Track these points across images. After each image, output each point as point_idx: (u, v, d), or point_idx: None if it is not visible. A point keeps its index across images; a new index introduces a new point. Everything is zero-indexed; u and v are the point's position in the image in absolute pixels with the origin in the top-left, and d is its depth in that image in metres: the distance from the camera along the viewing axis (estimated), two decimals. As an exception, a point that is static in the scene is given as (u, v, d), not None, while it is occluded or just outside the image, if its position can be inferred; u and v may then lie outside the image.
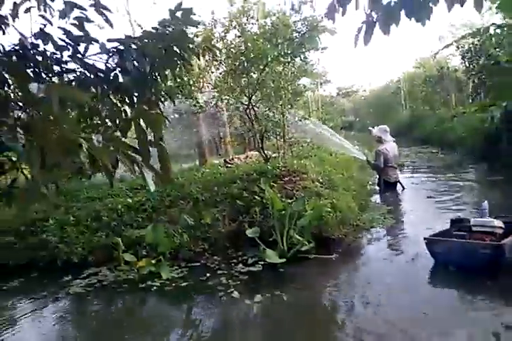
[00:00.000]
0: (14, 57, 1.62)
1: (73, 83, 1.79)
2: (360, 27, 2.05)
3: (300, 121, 7.56)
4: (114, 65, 1.84)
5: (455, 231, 4.10)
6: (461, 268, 3.68)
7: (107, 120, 1.91)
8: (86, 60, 1.82)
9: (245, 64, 6.45)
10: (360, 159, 9.48)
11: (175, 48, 2.08)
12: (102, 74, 1.80)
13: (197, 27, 2.19)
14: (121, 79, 1.86)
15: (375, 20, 1.99)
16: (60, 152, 1.46)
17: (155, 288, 4.18)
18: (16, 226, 5.37)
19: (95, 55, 1.95)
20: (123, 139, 1.78)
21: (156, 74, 2.12)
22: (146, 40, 2.05)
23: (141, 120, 1.75)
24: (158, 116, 1.94)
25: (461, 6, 1.77)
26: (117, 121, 1.89)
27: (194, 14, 2.22)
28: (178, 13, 2.04)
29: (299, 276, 4.23)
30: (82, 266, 4.85)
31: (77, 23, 1.77)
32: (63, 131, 1.43)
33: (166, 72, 2.24)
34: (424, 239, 4.05)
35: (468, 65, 19.36)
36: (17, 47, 1.64)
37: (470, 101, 21.08)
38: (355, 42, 2.10)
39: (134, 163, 1.59)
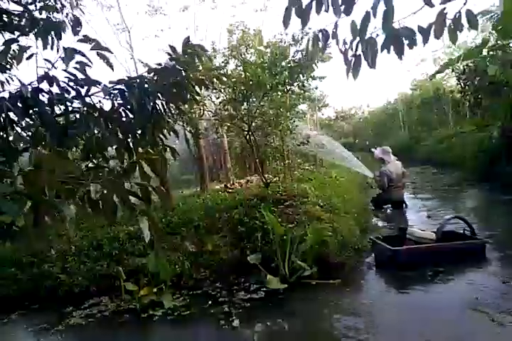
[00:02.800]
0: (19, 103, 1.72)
1: (77, 122, 1.88)
2: (350, 60, 2.16)
3: (299, 145, 7.67)
4: (117, 105, 1.94)
5: (395, 237, 5.42)
6: (380, 263, 4.98)
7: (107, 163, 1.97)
8: (88, 100, 1.92)
9: (245, 92, 6.64)
10: (366, 175, 9.53)
11: (182, 81, 2.18)
12: (105, 114, 1.89)
13: (201, 60, 2.29)
14: (124, 118, 1.95)
15: (359, 53, 2.08)
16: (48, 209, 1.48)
17: (157, 317, 4.14)
18: (17, 257, 5.37)
19: (97, 93, 2.06)
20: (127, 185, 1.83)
21: (161, 110, 2.21)
22: (149, 78, 2.16)
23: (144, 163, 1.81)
24: (161, 159, 2.01)
25: (437, 38, 1.87)
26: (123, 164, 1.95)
27: (206, 51, 2.34)
28: (189, 49, 2.14)
29: (301, 303, 4.19)
30: (84, 296, 4.80)
31: (79, 67, 1.88)
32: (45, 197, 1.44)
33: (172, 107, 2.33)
34: (368, 240, 5.33)
35: (463, 86, 19.77)
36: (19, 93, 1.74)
37: (468, 120, 21.36)
38: (346, 75, 2.20)
39: (132, 210, 1.64)
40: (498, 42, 10.84)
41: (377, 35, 2.00)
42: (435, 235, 5.11)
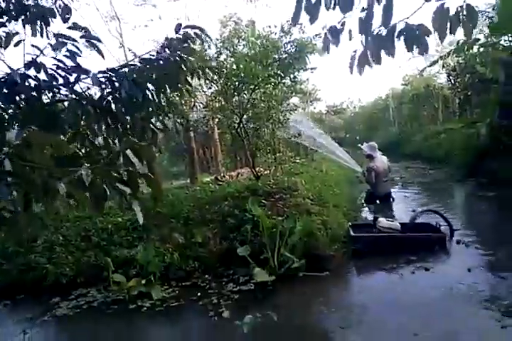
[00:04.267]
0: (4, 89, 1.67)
1: (65, 111, 1.84)
2: (353, 55, 2.14)
3: (290, 138, 7.66)
4: (107, 93, 1.90)
5: (367, 224, 5.87)
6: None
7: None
8: (77, 88, 1.88)
9: (236, 84, 6.60)
10: (355, 170, 9.62)
11: (173, 71, 2.14)
12: (94, 102, 1.85)
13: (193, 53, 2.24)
14: (113, 107, 1.92)
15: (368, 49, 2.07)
16: (40, 193, 1.46)
17: (145, 308, 4.13)
18: (2, 247, 5.29)
19: (85, 79, 2.01)
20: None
21: (150, 99, 2.18)
22: (140, 67, 2.11)
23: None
24: (149, 148, 1.98)
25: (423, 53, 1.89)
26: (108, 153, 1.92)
27: (207, 35, 2.29)
28: (191, 32, 2.09)
29: (290, 295, 4.22)
30: (71, 287, 4.77)
31: (69, 55, 1.83)
32: (39, 173, 1.43)
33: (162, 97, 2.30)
34: (348, 225, 5.75)
35: (453, 83, 19.95)
36: (7, 78, 1.69)
37: (457, 117, 21.60)
38: (350, 70, 2.18)
39: (122, 195, 1.62)
40: (489, 39, 10.94)
41: (380, 31, 2.00)
42: (400, 226, 5.42)
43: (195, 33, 2.11)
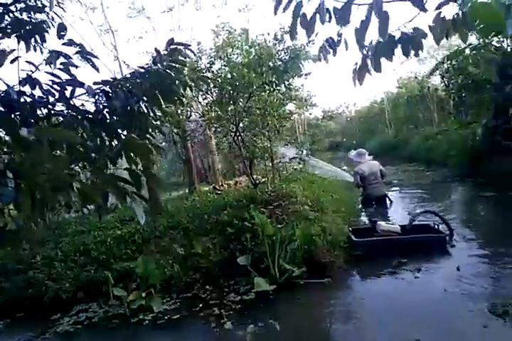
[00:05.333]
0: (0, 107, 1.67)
1: (60, 125, 1.85)
2: (355, 67, 2.18)
3: (285, 146, 7.68)
4: (102, 106, 1.91)
5: (368, 228, 5.83)
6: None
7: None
8: (73, 102, 1.88)
9: (231, 93, 6.62)
10: (349, 181, 9.74)
11: (166, 83, 2.16)
12: (89, 116, 1.86)
13: (185, 63, 2.26)
14: (108, 119, 1.92)
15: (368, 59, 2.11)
16: (50, 192, 1.49)
17: (147, 322, 4.09)
18: (1, 263, 5.25)
19: (81, 95, 2.02)
20: (111, 171, 1.82)
21: (146, 111, 2.19)
22: (134, 80, 2.13)
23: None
24: (147, 146, 1.99)
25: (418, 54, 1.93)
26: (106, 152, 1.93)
27: (190, 49, 2.32)
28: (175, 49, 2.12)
29: (292, 303, 4.18)
30: (71, 302, 4.72)
31: (63, 68, 1.84)
32: (53, 171, 1.47)
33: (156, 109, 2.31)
34: (349, 229, 5.69)
35: (447, 84, 20.08)
36: (3, 95, 1.70)
37: (452, 118, 21.71)
38: (354, 83, 2.22)
39: (124, 194, 1.62)
40: (481, 40, 11.05)
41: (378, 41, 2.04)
42: (400, 228, 5.44)
43: (183, 48, 2.13)
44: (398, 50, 2.00)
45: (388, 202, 8.53)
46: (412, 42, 1.95)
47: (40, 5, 2.56)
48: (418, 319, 3.44)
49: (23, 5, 2.52)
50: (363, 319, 3.62)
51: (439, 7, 1.88)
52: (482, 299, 3.61)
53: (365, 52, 2.10)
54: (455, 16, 1.89)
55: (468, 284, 3.97)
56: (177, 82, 2.24)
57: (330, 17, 1.92)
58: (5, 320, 4.63)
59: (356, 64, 2.14)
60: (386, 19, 1.85)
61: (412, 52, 2.00)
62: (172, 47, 2.12)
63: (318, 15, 1.90)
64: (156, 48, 2.23)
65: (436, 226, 5.54)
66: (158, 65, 2.17)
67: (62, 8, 2.72)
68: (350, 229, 5.80)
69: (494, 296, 3.66)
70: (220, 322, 3.79)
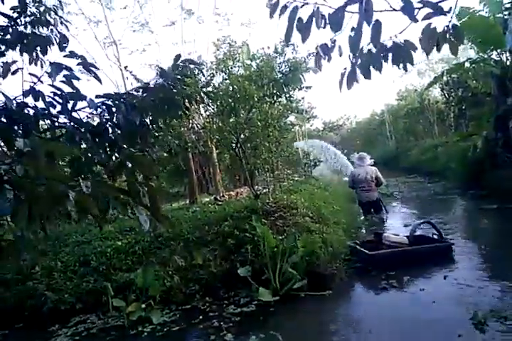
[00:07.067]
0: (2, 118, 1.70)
1: (62, 138, 1.87)
2: (343, 72, 2.21)
3: (288, 157, 7.71)
4: (104, 120, 1.94)
5: (372, 241, 5.84)
6: (359, 268, 5.22)
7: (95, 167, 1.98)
8: (75, 114, 1.91)
9: (232, 105, 6.69)
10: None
11: (170, 98, 2.20)
12: (91, 129, 1.88)
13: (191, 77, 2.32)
14: (111, 132, 1.95)
15: (356, 66, 2.15)
16: (47, 204, 1.51)
17: (146, 334, 4.04)
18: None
19: (84, 108, 2.06)
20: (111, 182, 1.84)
21: (150, 125, 2.22)
22: (137, 95, 2.17)
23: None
24: (149, 159, 2.02)
25: (407, 68, 1.96)
26: (107, 165, 1.96)
27: (198, 64, 2.37)
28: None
29: (293, 315, 4.14)
30: (70, 313, 4.68)
31: (66, 81, 1.88)
32: (50, 183, 1.49)
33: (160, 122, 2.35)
34: (349, 245, 5.67)
35: (447, 97, 20.24)
36: (4, 107, 1.73)
37: (452, 130, 21.80)
38: (340, 87, 2.25)
39: (126, 204, 1.64)
40: (480, 54, 11.20)
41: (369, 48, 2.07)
42: (407, 239, 5.49)
43: (190, 64, 2.18)
44: (389, 61, 2.03)
45: (384, 211, 8.54)
46: (403, 53, 1.98)
47: (45, 20, 2.62)
48: (421, 335, 3.40)
49: (28, 19, 2.59)
50: (364, 332, 3.57)
51: (427, 17, 1.88)
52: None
53: (353, 60, 2.13)
54: (445, 28, 1.91)
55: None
56: (181, 95, 2.28)
57: (325, 23, 1.96)
58: (3, 332, 4.58)
59: (345, 69, 2.17)
60: (378, 28, 1.89)
61: (401, 65, 2.03)
62: (179, 63, 2.17)
63: (313, 20, 1.94)
64: (159, 66, 2.29)
65: (433, 236, 5.63)
66: (164, 79, 2.21)
67: (66, 26, 2.79)
68: (358, 242, 5.82)
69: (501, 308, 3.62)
70: (220, 335, 3.75)
